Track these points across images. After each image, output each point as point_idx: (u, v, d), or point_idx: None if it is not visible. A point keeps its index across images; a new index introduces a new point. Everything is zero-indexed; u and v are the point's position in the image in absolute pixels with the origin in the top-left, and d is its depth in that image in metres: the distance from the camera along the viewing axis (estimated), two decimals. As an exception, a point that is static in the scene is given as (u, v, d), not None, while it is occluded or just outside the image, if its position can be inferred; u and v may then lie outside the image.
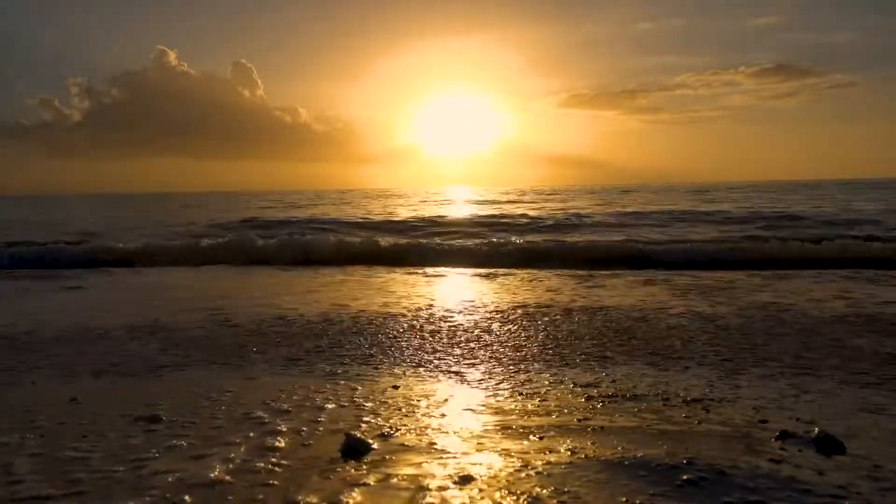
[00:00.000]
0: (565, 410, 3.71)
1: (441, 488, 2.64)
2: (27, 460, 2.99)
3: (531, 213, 26.07)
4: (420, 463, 2.91)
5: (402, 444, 3.16)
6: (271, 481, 2.72)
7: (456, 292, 8.73)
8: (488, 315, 6.66)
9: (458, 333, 5.81)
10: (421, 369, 4.67)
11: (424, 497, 2.57)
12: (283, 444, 3.17)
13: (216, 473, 2.80)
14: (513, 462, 2.89)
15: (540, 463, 2.87)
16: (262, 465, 2.91)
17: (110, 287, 9.62)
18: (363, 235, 17.00)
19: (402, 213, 27.11)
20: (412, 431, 3.34)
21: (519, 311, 6.91)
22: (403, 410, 3.72)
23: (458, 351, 5.17)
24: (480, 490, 2.61)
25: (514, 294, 8.17)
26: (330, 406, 3.81)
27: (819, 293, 7.77)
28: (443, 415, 3.63)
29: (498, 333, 5.80)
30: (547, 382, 4.28)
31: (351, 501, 2.54)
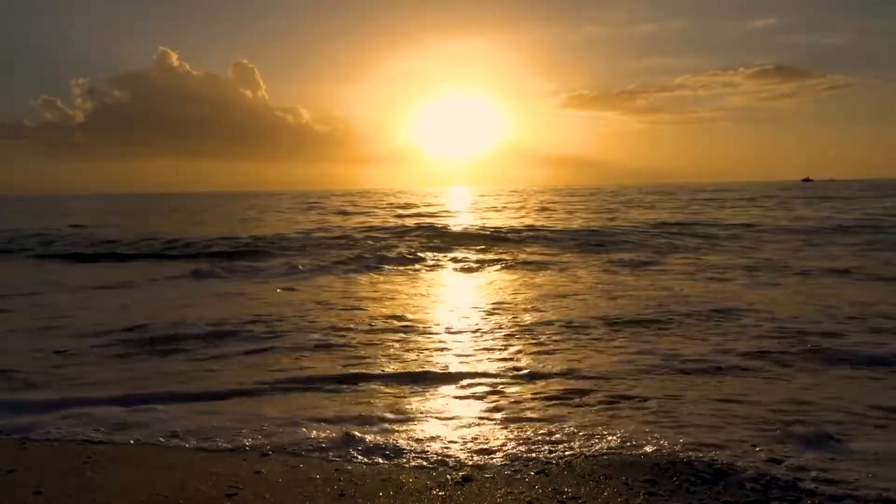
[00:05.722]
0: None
1: (441, 487, 2.65)
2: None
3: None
4: (419, 462, 2.92)
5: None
6: (277, 479, 2.74)
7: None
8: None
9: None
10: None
11: (425, 496, 2.58)
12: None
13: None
14: (513, 462, 2.90)
15: (539, 462, 2.87)
16: (266, 463, 2.93)
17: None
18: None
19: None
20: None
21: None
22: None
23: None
24: (480, 490, 2.62)
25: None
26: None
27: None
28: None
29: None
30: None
31: (351, 499, 2.55)
